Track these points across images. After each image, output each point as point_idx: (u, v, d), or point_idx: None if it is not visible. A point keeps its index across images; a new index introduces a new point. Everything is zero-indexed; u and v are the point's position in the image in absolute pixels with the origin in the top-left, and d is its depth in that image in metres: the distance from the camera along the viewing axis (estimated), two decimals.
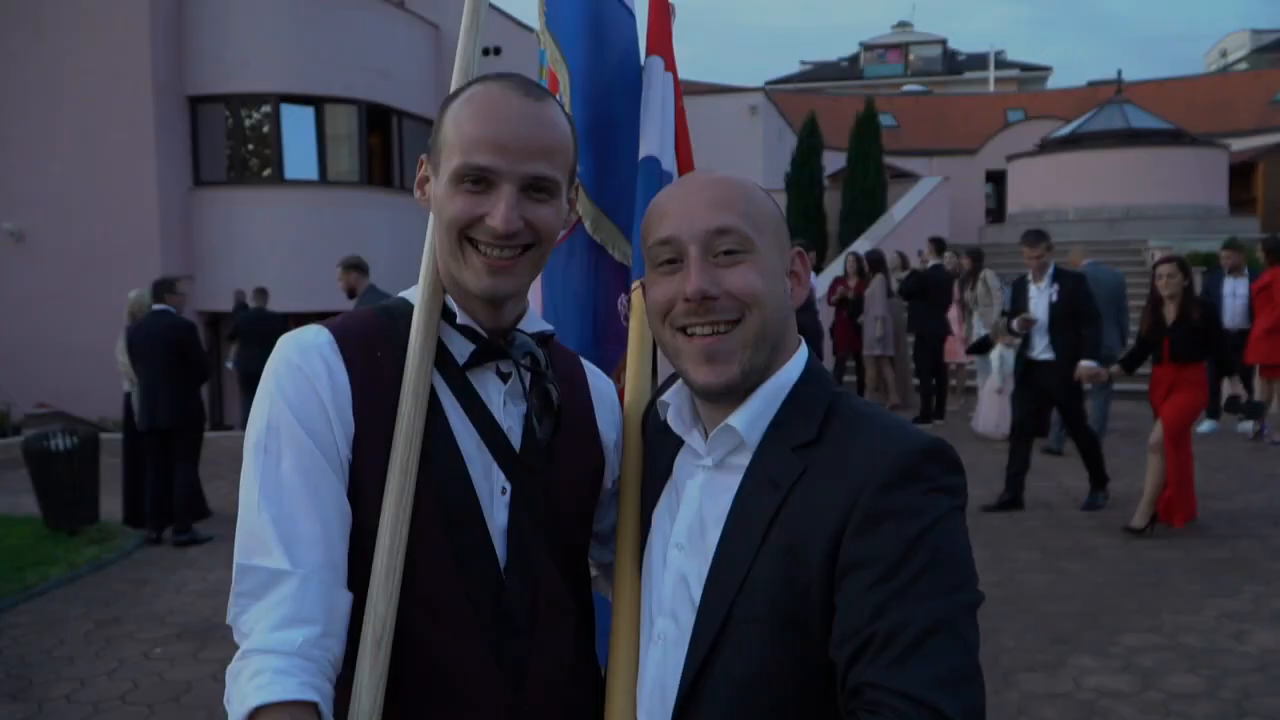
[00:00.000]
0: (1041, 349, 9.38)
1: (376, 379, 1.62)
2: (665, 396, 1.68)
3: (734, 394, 1.52)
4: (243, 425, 2.52)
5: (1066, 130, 28.96)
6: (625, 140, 2.48)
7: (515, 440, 1.69)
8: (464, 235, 1.58)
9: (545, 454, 1.72)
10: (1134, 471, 10.32)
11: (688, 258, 1.51)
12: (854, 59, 67.95)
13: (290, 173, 19.05)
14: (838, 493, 1.36)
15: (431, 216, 1.72)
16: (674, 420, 1.65)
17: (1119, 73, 32.42)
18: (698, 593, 1.50)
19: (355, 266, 9.49)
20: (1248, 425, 13.07)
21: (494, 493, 1.66)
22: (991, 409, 12.74)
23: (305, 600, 1.44)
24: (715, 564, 1.49)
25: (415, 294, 1.74)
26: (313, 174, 19.26)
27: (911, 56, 65.78)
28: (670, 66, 2.54)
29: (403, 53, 20.31)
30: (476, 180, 1.55)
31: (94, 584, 8.07)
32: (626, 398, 2.01)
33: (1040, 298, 9.39)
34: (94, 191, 17.86)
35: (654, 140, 2.38)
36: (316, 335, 1.63)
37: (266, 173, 19.12)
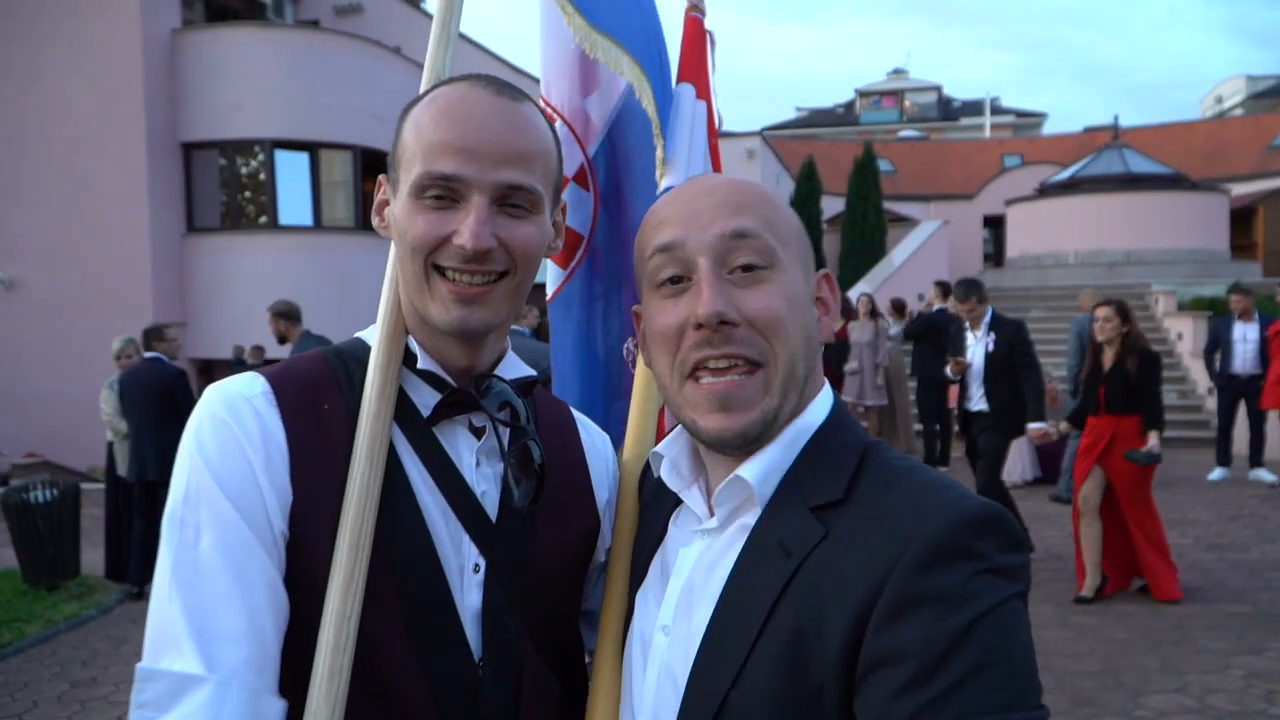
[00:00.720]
0: (977, 399, 9.14)
1: (322, 436, 1.38)
2: (659, 447, 1.42)
3: (749, 444, 1.28)
4: None
5: (1065, 174, 28.93)
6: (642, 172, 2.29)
7: (490, 507, 1.45)
8: (429, 261, 1.36)
9: (526, 523, 1.47)
10: None
11: (697, 272, 1.27)
12: (849, 105, 68.38)
13: (285, 219, 18.88)
14: (865, 568, 1.10)
15: (393, 245, 1.48)
16: (669, 475, 1.40)
17: (1115, 118, 32.52)
18: (683, 687, 1.23)
19: (284, 314, 8.70)
20: (1262, 474, 12.83)
21: (465, 570, 1.42)
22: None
23: (223, 712, 1.18)
24: (704, 648, 1.22)
25: (373, 334, 1.49)
26: (307, 220, 19.10)
27: (907, 103, 66.20)
28: (703, 95, 2.31)
29: (398, 98, 20.08)
30: (441, 193, 1.34)
31: (71, 642, 7.76)
32: (625, 451, 1.76)
33: (977, 347, 9.19)
34: (87, 238, 17.67)
35: (679, 171, 2.15)
36: (249, 384, 1.40)
37: (261, 219, 18.96)
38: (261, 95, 18.26)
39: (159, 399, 8.95)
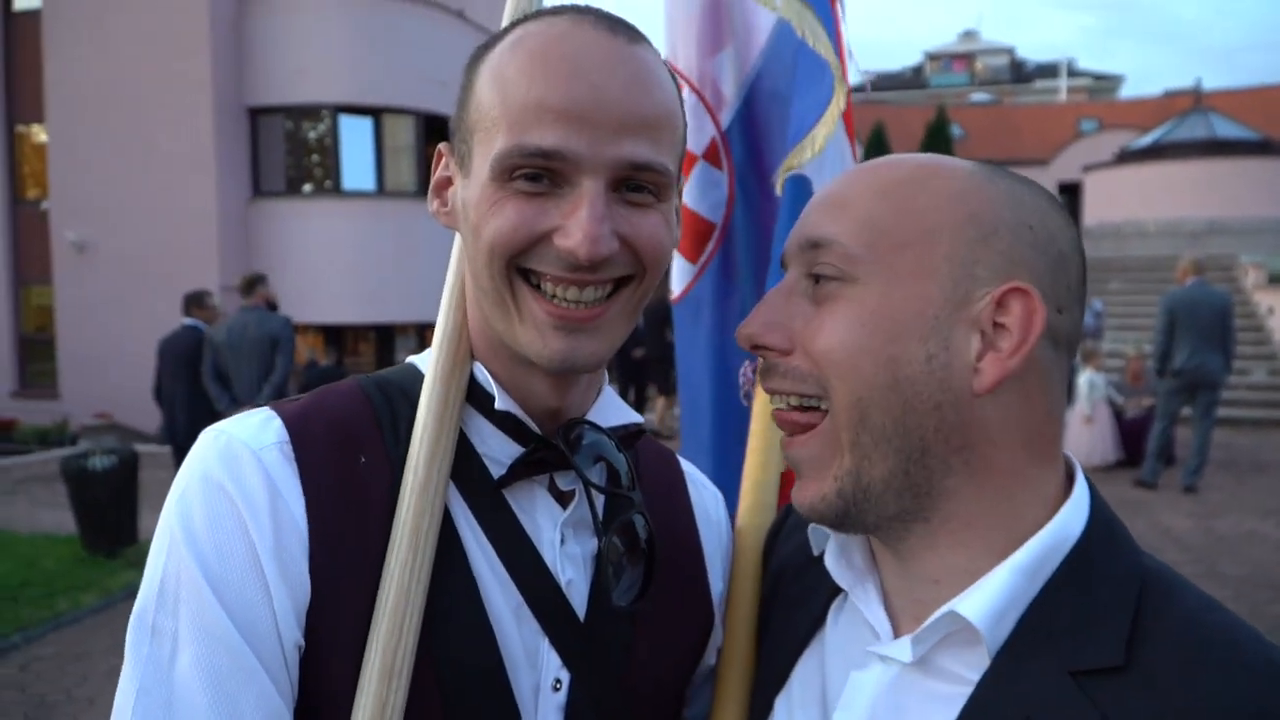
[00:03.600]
0: None
1: (354, 506, 1.03)
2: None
3: (844, 526, 0.98)
4: None
5: (1147, 140, 27.96)
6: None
7: (578, 601, 1.10)
8: (516, 266, 1.01)
9: (624, 623, 1.12)
10: (1237, 507, 9.59)
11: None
12: (918, 69, 66.91)
13: (348, 183, 18.81)
14: None
15: (458, 238, 1.14)
16: (836, 565, 1.06)
17: (1198, 81, 31.34)
18: None
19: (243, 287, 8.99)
20: None
21: (542, 689, 1.07)
22: (1080, 439, 12.01)
23: None
24: None
25: (429, 361, 1.14)
26: (370, 185, 19.01)
27: (978, 66, 64.62)
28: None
29: (461, 62, 19.74)
30: (536, 174, 0.98)
31: (126, 612, 7.54)
32: (742, 512, 1.40)
33: None
34: (154, 202, 17.75)
35: (812, 164, 1.80)
36: (260, 430, 1.04)
37: (326, 184, 18.91)
38: (326, 60, 18.14)
39: (191, 365, 8.94)
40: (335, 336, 19.30)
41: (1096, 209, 27.86)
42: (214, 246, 17.74)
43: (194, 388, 8.83)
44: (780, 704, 1.11)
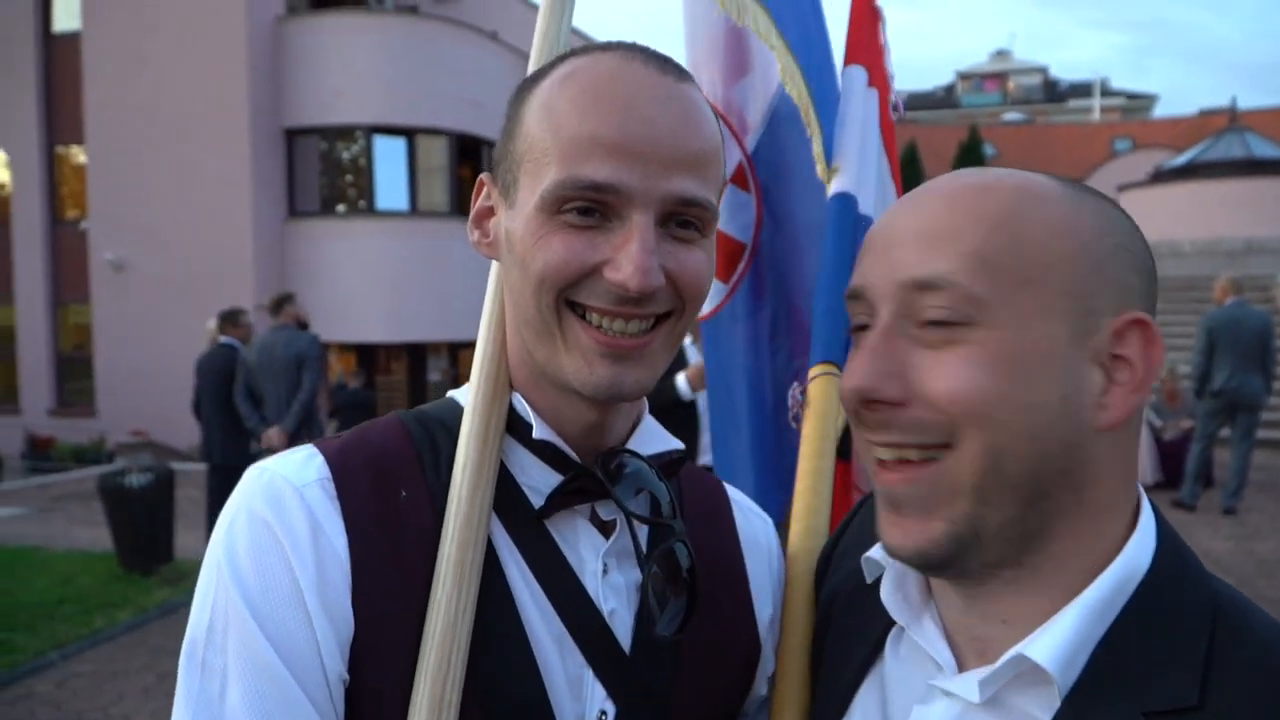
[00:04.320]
0: None
1: (396, 541, 1.04)
2: (875, 552, 1.05)
3: (943, 569, 0.93)
4: None
5: (1182, 159, 27.72)
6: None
7: (622, 632, 1.10)
8: (565, 299, 1.01)
9: (669, 653, 1.12)
10: (1277, 530, 9.44)
11: (875, 322, 0.95)
12: (949, 89, 66.79)
13: (382, 203, 18.98)
14: None
15: (496, 269, 1.15)
16: (893, 600, 1.03)
17: (1233, 100, 31.02)
18: None
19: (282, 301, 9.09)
20: None
21: (586, 718, 1.07)
22: None
23: None
24: None
25: (468, 393, 1.15)
26: (404, 205, 19.17)
27: (1011, 85, 64.42)
28: (876, 81, 1.95)
29: (494, 83, 20.11)
30: (588, 207, 0.99)
31: (161, 630, 7.74)
32: (793, 538, 1.38)
33: None
34: (191, 221, 17.98)
35: (852, 173, 1.81)
36: (302, 468, 1.05)
37: (360, 204, 19.08)
38: (361, 81, 18.34)
39: (225, 383, 8.96)
40: (368, 355, 19.44)
41: None
42: (249, 266, 17.93)
43: (228, 405, 8.87)
44: None
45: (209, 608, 0.99)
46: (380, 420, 1.16)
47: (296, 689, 0.95)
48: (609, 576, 1.10)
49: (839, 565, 1.24)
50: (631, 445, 1.14)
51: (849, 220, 1.78)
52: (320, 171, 19.08)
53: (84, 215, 19.28)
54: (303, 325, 9.42)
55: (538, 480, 1.11)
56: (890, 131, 2.01)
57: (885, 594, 1.03)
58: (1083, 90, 61.26)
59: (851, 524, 1.30)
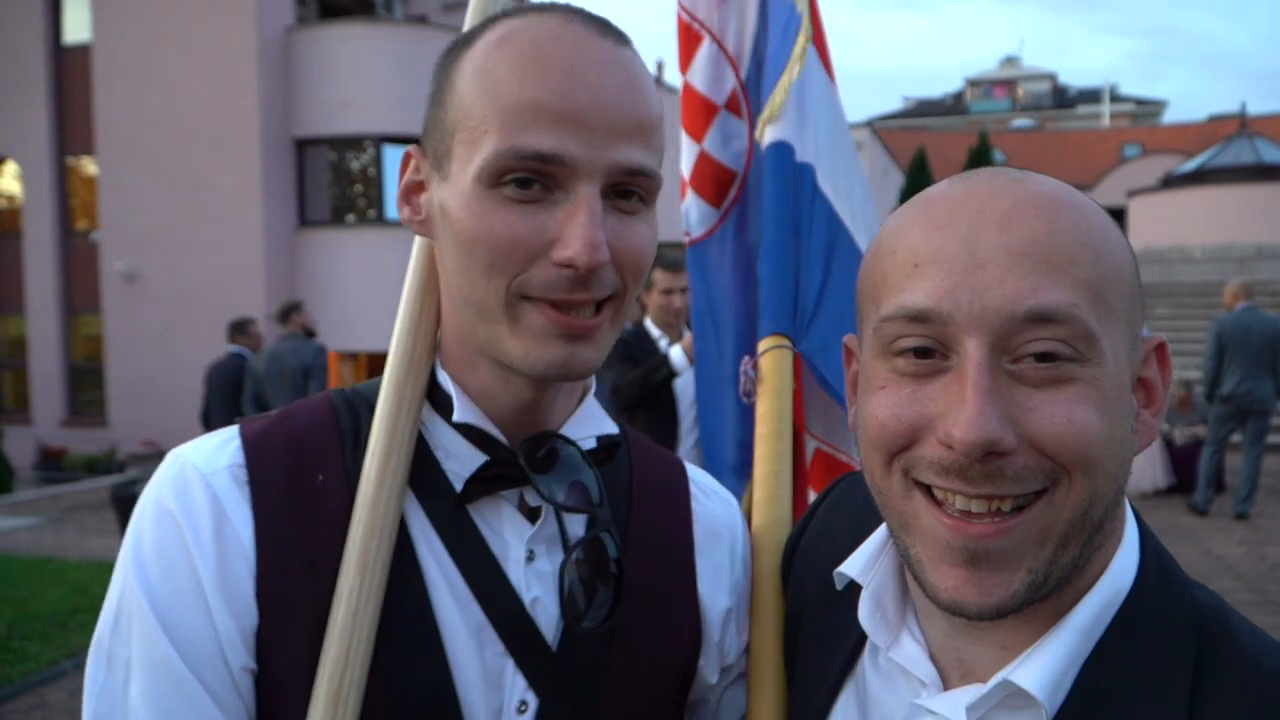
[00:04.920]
0: None
1: (308, 526, 1.01)
2: (851, 568, 1.01)
3: (1004, 614, 0.86)
4: None
5: (1192, 165, 27.70)
6: None
7: (546, 622, 1.05)
8: (515, 281, 0.97)
9: (598, 643, 1.07)
10: None
11: (964, 359, 0.82)
12: (959, 95, 66.77)
13: (391, 213, 18.99)
14: None
15: (422, 243, 1.11)
16: (870, 615, 0.98)
17: (1243, 106, 31.00)
18: None
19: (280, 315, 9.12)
20: None
21: (506, 711, 1.03)
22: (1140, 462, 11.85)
23: None
24: None
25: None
26: None
27: (1020, 92, 64.37)
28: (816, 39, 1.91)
29: None
30: (529, 179, 0.93)
31: None
32: (757, 532, 1.33)
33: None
34: (202, 232, 18.04)
35: (789, 118, 1.78)
36: (215, 453, 1.03)
37: (369, 214, 19.12)
38: (371, 91, 18.38)
39: (234, 392, 9.01)
40: (378, 364, 19.44)
41: (1142, 234, 27.56)
42: (260, 276, 17.98)
43: (237, 414, 8.88)
44: None
45: (116, 599, 0.98)
46: (310, 399, 1.13)
47: (195, 684, 0.94)
48: (535, 564, 1.06)
49: (805, 557, 1.21)
50: (567, 429, 1.10)
51: (787, 172, 1.75)
52: (330, 181, 19.12)
53: (95, 226, 19.36)
54: (309, 334, 9.43)
55: (462, 461, 1.06)
56: (821, 42, 1.94)
57: (864, 617, 0.99)
58: (1092, 96, 61.21)
59: (818, 513, 1.26)
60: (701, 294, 2.02)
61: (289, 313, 9.17)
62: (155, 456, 16.53)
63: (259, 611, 0.97)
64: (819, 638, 1.11)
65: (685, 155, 2.01)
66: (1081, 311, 0.81)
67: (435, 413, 1.08)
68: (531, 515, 1.08)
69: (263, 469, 1.02)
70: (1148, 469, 11.82)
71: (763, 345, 1.60)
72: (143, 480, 8.91)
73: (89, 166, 19.84)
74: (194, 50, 18.07)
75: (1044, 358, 0.81)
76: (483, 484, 1.05)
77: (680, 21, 1.97)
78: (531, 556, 1.06)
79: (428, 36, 19.31)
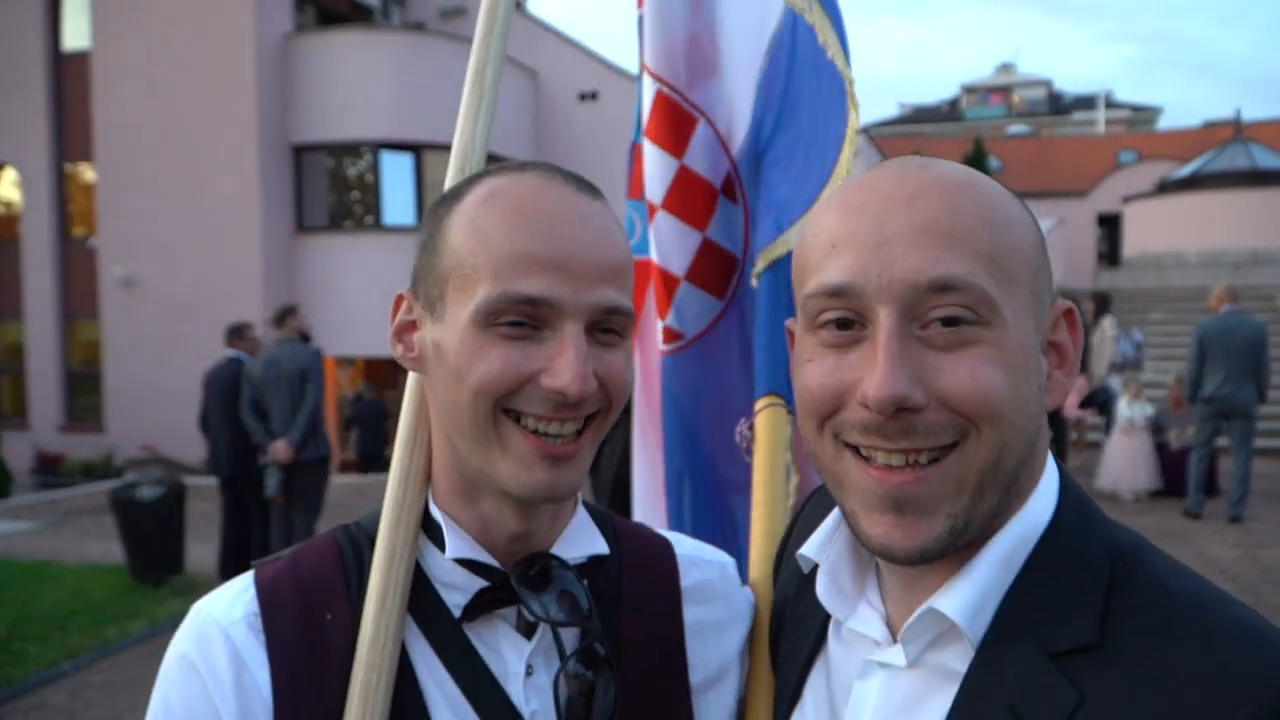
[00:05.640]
0: None
1: (320, 665, 1.10)
2: (809, 549, 1.10)
3: (927, 560, 0.95)
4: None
5: (1187, 171, 27.76)
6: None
7: None
8: (502, 407, 1.06)
9: None
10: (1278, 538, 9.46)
11: (878, 327, 0.92)
12: (954, 102, 66.84)
13: (389, 219, 19.06)
14: None
15: (415, 383, 1.21)
16: (827, 589, 1.07)
17: (1238, 112, 31.11)
18: None
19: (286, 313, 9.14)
20: None
21: None
22: (1120, 465, 11.91)
23: None
24: None
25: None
26: (411, 220, 19.24)
27: (1015, 98, 64.47)
28: None
29: (501, 99, 20.29)
30: (521, 320, 1.04)
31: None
32: (754, 568, 1.43)
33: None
34: (200, 237, 18.09)
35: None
36: (231, 606, 1.12)
37: (367, 219, 19.17)
38: (368, 97, 18.45)
39: (232, 396, 9.04)
40: (376, 370, 19.49)
41: (1136, 240, 27.66)
42: (258, 281, 18.02)
43: (235, 418, 8.91)
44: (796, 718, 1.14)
45: None
46: (318, 538, 1.22)
47: None
48: (534, 678, 1.13)
49: (788, 561, 1.28)
50: (558, 547, 1.18)
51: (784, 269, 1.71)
52: (328, 187, 19.17)
53: (93, 232, 19.40)
54: (305, 338, 9.45)
55: (459, 589, 1.15)
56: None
57: (821, 590, 1.08)
58: (1087, 103, 61.27)
59: (799, 521, 1.34)
60: (695, 388, 1.97)
61: (285, 316, 9.18)
62: (152, 461, 16.57)
63: None
64: (794, 622, 1.20)
65: (677, 247, 1.97)
66: (980, 279, 0.90)
67: (432, 544, 1.17)
68: (528, 630, 1.15)
69: (276, 616, 1.11)
70: (1140, 472, 11.88)
71: (759, 404, 1.65)
72: (143, 483, 8.96)
73: (87, 173, 19.89)
74: (193, 57, 18.13)
75: (949, 322, 0.91)
76: (479, 607, 1.13)
77: (665, 101, 1.95)
78: (530, 671, 1.13)
79: (425, 43, 19.40)
